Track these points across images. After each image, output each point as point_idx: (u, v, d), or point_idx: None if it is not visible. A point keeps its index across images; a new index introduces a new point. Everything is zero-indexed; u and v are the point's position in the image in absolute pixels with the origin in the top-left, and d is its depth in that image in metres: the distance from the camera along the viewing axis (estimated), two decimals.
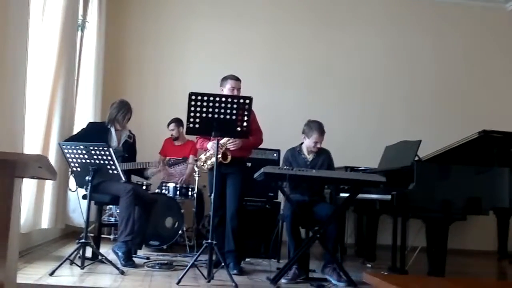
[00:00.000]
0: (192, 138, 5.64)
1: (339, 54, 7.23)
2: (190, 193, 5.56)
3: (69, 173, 4.18)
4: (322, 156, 4.53)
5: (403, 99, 7.21)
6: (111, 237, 5.50)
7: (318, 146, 4.47)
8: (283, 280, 3.94)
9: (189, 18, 6.97)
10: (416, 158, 4.26)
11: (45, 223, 4.19)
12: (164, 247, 5.18)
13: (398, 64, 7.28)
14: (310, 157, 4.54)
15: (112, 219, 5.50)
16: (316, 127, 4.46)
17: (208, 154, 4.40)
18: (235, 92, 4.31)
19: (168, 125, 6.06)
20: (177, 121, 5.97)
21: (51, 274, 3.46)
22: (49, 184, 4.15)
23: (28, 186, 3.88)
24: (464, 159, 4.15)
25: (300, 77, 7.10)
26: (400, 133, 5.58)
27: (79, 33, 5.24)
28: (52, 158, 4.19)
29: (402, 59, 7.29)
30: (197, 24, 6.97)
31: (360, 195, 4.34)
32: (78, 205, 4.24)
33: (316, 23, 7.23)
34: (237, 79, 4.41)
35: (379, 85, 7.22)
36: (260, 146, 4.77)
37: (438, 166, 4.10)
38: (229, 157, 4.19)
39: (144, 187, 5.38)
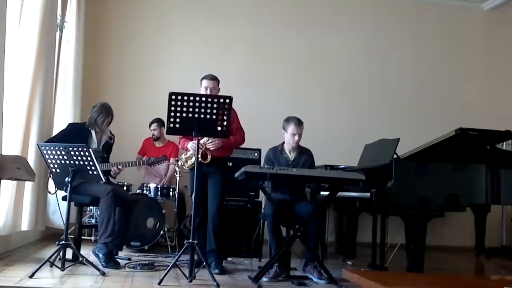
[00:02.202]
0: (173, 139, 5.66)
1: (320, 53, 7.27)
2: (171, 193, 5.56)
3: (49, 174, 4.14)
4: (304, 156, 4.56)
5: (383, 98, 7.28)
6: (92, 238, 5.46)
7: (297, 138, 4.47)
8: (264, 279, 3.95)
9: (170, 17, 6.96)
10: (395, 156, 4.33)
11: (24, 225, 4.15)
12: (146, 247, 5.17)
13: (379, 63, 7.36)
14: (292, 156, 4.56)
15: (93, 221, 5.45)
16: (292, 119, 4.51)
17: (188, 154, 4.40)
18: (210, 92, 4.29)
19: (150, 125, 6.05)
20: (159, 121, 5.96)
21: (31, 276, 3.43)
22: (28, 186, 4.11)
23: (7, 188, 3.83)
24: (441, 157, 4.22)
25: (281, 76, 7.13)
26: (381, 132, 5.66)
27: (57, 33, 5.19)
28: (31, 159, 4.15)
29: (383, 59, 7.36)
30: (178, 23, 6.96)
31: (340, 193, 4.38)
32: (58, 207, 4.19)
33: (298, 22, 7.26)
34: (211, 78, 4.39)
35: (360, 85, 7.28)
36: (241, 146, 4.78)
37: (416, 164, 4.16)
38: (209, 157, 4.20)
39: (125, 188, 5.37)
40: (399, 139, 4.38)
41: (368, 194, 4.22)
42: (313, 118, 6.70)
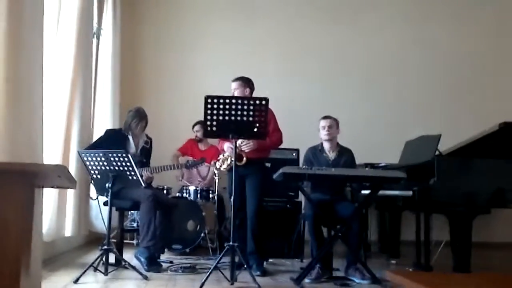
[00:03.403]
0: (216, 143, 5.67)
1: (358, 47, 7.13)
2: (211, 195, 5.57)
3: (90, 180, 4.21)
4: (345, 155, 4.49)
5: (423, 92, 7.10)
6: (134, 242, 5.54)
7: (326, 131, 4.43)
8: (306, 280, 3.91)
9: (203, 20, 6.97)
10: (437, 153, 4.21)
11: (68, 231, 4.23)
12: (187, 250, 5.19)
13: (418, 55, 7.14)
14: (332, 156, 4.50)
15: (135, 225, 5.52)
16: (322, 117, 4.50)
17: (224, 155, 4.41)
18: (236, 93, 4.36)
19: (193, 126, 6.08)
20: (202, 123, 5.96)
21: (76, 281, 3.50)
22: (70, 192, 4.20)
23: (50, 195, 3.93)
24: (485, 152, 4.07)
25: (318, 73, 7.03)
26: (421, 127, 5.51)
27: (94, 40, 5.28)
28: (73, 166, 4.24)
29: (423, 50, 7.12)
30: (211, 25, 6.96)
31: (382, 192, 4.30)
32: (100, 212, 4.25)
33: (331, 13, 7.14)
34: (234, 79, 4.47)
35: (399, 79, 7.11)
36: (279, 146, 4.75)
37: (459, 160, 4.04)
38: (244, 159, 4.18)
39: (164, 191, 5.41)
40: (440, 135, 4.26)
41: (411, 192, 4.12)
42: (352, 115, 6.62)
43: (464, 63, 7.20)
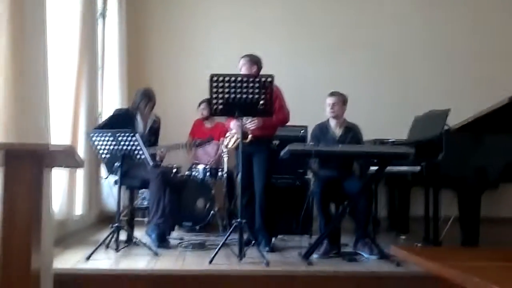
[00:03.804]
0: (223, 120, 5.68)
1: (366, 21, 7.06)
2: (219, 173, 5.60)
3: (101, 160, 4.26)
4: (351, 132, 4.49)
5: (432, 67, 7.02)
6: (146, 219, 5.60)
7: (331, 108, 4.43)
8: (314, 256, 3.95)
9: (209, 0, 6.94)
10: (446, 128, 4.18)
11: (79, 210, 4.30)
12: (197, 227, 5.26)
13: (428, 30, 7.08)
14: (338, 132, 4.50)
15: (145, 203, 5.58)
16: (329, 93, 4.49)
17: (231, 133, 4.44)
18: (243, 70, 4.36)
19: (199, 105, 6.10)
20: (208, 101, 5.98)
21: (88, 258, 3.56)
22: (81, 172, 4.26)
23: (61, 175, 3.99)
24: (494, 127, 4.03)
25: (326, 49, 6.99)
26: (430, 103, 5.47)
27: (100, 21, 5.29)
28: (82, 147, 4.29)
29: (431, 25, 7.07)
30: (216, 5, 6.93)
31: (390, 168, 4.29)
32: (111, 191, 4.32)
33: None
34: (243, 56, 4.46)
35: (408, 54, 7.05)
36: (286, 124, 4.75)
37: (467, 135, 4.01)
38: (250, 137, 4.20)
39: (174, 170, 5.45)
40: (449, 110, 4.23)
41: (419, 168, 4.11)
42: (360, 90, 6.58)
43: (473, 38, 7.10)
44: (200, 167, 5.60)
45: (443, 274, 1.70)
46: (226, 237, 3.82)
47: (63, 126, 4.12)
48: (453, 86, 6.92)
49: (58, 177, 3.95)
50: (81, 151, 4.27)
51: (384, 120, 6.47)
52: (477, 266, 1.79)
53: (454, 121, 4.35)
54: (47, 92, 2.97)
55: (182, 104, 6.39)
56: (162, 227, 4.26)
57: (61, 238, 4.27)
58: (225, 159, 5.46)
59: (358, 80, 6.81)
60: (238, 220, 3.77)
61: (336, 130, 4.51)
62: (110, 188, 4.49)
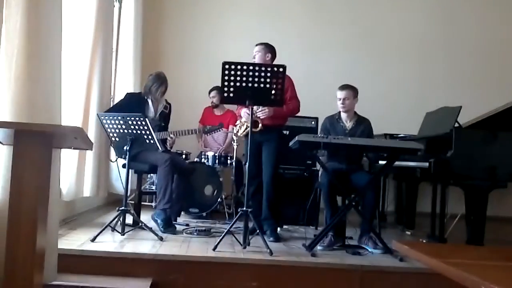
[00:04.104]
0: (232, 108, 5.70)
1: (381, 16, 7.03)
2: (229, 161, 5.62)
3: (110, 143, 4.30)
4: (362, 125, 4.47)
5: (446, 63, 6.97)
6: (153, 204, 5.65)
7: (342, 103, 4.42)
8: (318, 247, 3.96)
9: None
10: (456, 125, 4.16)
11: (87, 192, 4.34)
12: (204, 214, 5.30)
13: (441, 26, 7.02)
14: (349, 125, 4.49)
15: (154, 187, 5.63)
16: (339, 86, 4.46)
17: (241, 121, 4.45)
18: (257, 57, 4.38)
19: (210, 92, 6.12)
20: (219, 89, 5.97)
21: (93, 240, 3.60)
22: (90, 154, 4.28)
23: (70, 157, 4.03)
24: (506, 126, 4.00)
25: (340, 42, 6.97)
26: (443, 99, 5.44)
27: (117, 4, 5.30)
28: (92, 129, 4.32)
29: (445, 21, 7.01)
30: None
31: (399, 163, 4.29)
32: (119, 174, 4.36)
33: None
34: (258, 44, 4.46)
35: (422, 49, 7.00)
36: (298, 114, 4.75)
37: (477, 133, 3.99)
38: (260, 126, 4.20)
39: (183, 156, 5.49)
40: (461, 107, 4.20)
41: (427, 164, 4.09)
42: (373, 85, 6.58)
43: (488, 37, 7.02)
44: (210, 154, 5.63)
45: (442, 271, 1.70)
46: (231, 225, 3.84)
47: (75, 108, 4.14)
48: (467, 83, 6.87)
49: (68, 158, 3.99)
50: (91, 133, 4.30)
51: (396, 115, 6.46)
52: (476, 264, 1.79)
53: (466, 118, 4.33)
54: (60, 73, 2.98)
55: (196, 91, 6.41)
56: (168, 213, 4.29)
57: (68, 219, 4.33)
58: (235, 147, 5.48)
59: (370, 74, 6.79)
60: (244, 208, 3.79)
61: (347, 122, 4.50)
62: (119, 171, 4.52)
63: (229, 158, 5.63)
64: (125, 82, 5.54)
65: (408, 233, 5.14)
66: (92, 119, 4.30)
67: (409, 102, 6.69)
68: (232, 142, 5.51)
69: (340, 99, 4.43)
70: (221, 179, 5.41)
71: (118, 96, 5.18)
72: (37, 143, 2.32)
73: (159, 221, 4.26)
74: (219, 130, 5.04)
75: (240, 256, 3.54)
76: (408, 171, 4.72)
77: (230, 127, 5.83)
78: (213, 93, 6.05)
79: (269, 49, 4.42)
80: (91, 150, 3.00)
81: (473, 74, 6.94)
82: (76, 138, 2.47)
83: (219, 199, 5.35)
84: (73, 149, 2.95)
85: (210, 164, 5.54)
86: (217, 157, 5.59)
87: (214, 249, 3.61)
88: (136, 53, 5.79)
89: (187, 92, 6.43)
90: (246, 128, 4.31)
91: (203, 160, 5.62)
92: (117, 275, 3.26)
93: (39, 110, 2.76)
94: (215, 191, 5.36)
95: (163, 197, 4.25)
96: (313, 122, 5.56)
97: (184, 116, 5.76)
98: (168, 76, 4.72)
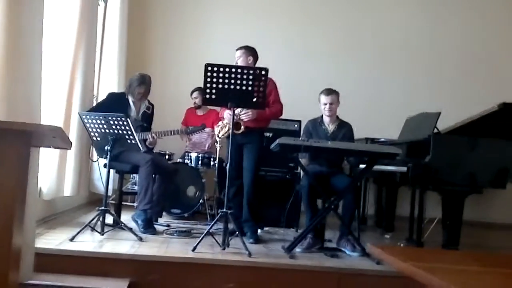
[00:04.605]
0: (215, 107, 5.71)
1: (363, 24, 7.11)
2: (212, 162, 5.64)
3: (91, 143, 4.29)
4: (344, 129, 4.53)
5: (428, 69, 7.07)
6: (135, 204, 5.63)
7: (328, 107, 4.45)
8: (297, 249, 4.00)
9: None
10: (436, 131, 4.22)
11: (67, 191, 4.33)
12: (186, 215, 5.30)
13: (423, 33, 7.11)
14: (331, 128, 4.54)
15: (136, 187, 5.62)
16: (323, 90, 4.52)
17: (223, 123, 4.47)
18: (239, 62, 4.38)
19: (192, 93, 6.12)
20: (201, 90, 5.97)
21: (72, 239, 3.60)
22: (71, 153, 4.28)
23: (51, 156, 4.02)
24: (483, 132, 4.07)
25: (324, 47, 7.03)
26: (425, 105, 5.50)
27: (102, 3, 5.30)
28: (74, 128, 4.31)
29: (428, 27, 7.11)
30: None
31: (379, 167, 4.35)
32: (100, 174, 4.36)
33: None
34: (239, 48, 4.47)
35: (404, 56, 7.08)
36: (281, 117, 4.78)
37: (455, 138, 4.05)
38: (242, 128, 4.23)
39: (166, 157, 5.50)
40: (440, 113, 4.26)
41: (405, 168, 4.15)
42: (355, 89, 6.66)
43: (470, 43, 7.13)
44: (193, 155, 5.64)
45: (411, 274, 1.74)
46: (210, 226, 3.86)
47: (56, 107, 4.13)
48: (446, 89, 6.97)
49: (48, 157, 3.99)
50: (73, 132, 4.29)
51: (378, 120, 6.53)
52: (446, 268, 1.83)
53: (447, 124, 4.39)
54: (40, 71, 2.99)
55: (181, 92, 6.40)
56: (149, 214, 4.30)
57: (48, 218, 4.32)
58: (218, 148, 5.49)
59: (353, 78, 6.86)
60: (224, 210, 3.81)
61: (329, 126, 4.55)
62: (99, 171, 4.51)
63: (212, 159, 5.64)
64: (110, 82, 5.54)
65: (387, 236, 5.20)
66: (74, 118, 4.29)
67: (392, 106, 6.76)
68: (215, 143, 5.52)
69: (326, 104, 4.47)
70: (203, 180, 5.43)
71: (102, 96, 5.17)
72: (15, 141, 2.31)
73: (139, 221, 4.26)
74: (202, 131, 5.04)
75: (219, 257, 3.56)
76: (388, 175, 4.78)
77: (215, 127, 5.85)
78: (195, 94, 6.06)
79: (250, 52, 4.44)
80: (70, 149, 3.00)
81: (455, 80, 7.03)
82: (55, 137, 2.47)
83: (201, 200, 5.36)
84: (52, 148, 2.96)
85: (193, 165, 5.55)
86: (200, 158, 5.60)
87: (193, 250, 3.62)
88: (121, 53, 5.79)
89: (171, 93, 6.44)
90: (228, 130, 4.34)
91: (186, 161, 5.63)
92: (95, 275, 3.26)
93: (18, 108, 2.76)
94: (198, 192, 5.37)
95: (144, 197, 4.25)
96: (296, 125, 5.60)
97: (167, 116, 5.77)
98: (152, 77, 4.72)
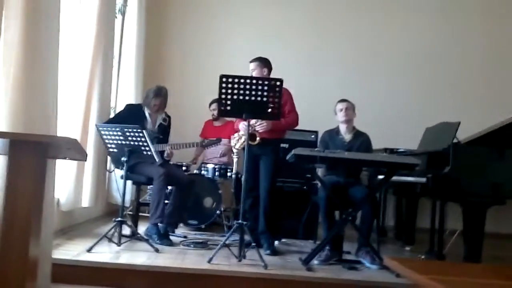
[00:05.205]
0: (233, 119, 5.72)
1: (381, 32, 7.05)
2: (228, 174, 5.62)
3: (107, 154, 4.32)
4: (361, 139, 4.50)
5: (448, 78, 6.96)
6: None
7: (345, 112, 4.45)
8: (315, 261, 3.95)
9: (230, 1, 6.98)
10: (455, 141, 4.15)
11: (85, 202, 4.35)
12: (202, 226, 5.28)
13: (441, 43, 7.01)
14: (347, 138, 4.50)
15: None
16: (338, 100, 4.54)
17: (239, 134, 4.47)
18: (254, 74, 4.37)
19: (210, 104, 6.12)
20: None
21: (89, 250, 3.61)
22: (89, 165, 4.31)
23: (69, 167, 4.05)
24: (504, 142, 3.99)
25: (341, 56, 6.98)
26: (443, 114, 5.43)
27: (120, 17, 5.36)
28: (92, 139, 4.35)
29: (449, 35, 7.00)
30: (238, 6, 6.97)
31: (399, 178, 4.29)
32: (116, 185, 4.38)
33: (362, 3, 7.08)
34: (252, 60, 4.48)
35: (424, 64, 6.99)
36: (298, 128, 4.77)
37: (476, 149, 3.98)
38: (258, 139, 4.22)
39: (183, 168, 5.50)
40: (459, 122, 4.19)
41: (425, 179, 4.09)
42: (374, 99, 6.59)
43: (491, 53, 7.02)
44: (210, 166, 5.64)
45: (428, 287, 1.70)
46: (226, 237, 3.84)
47: (74, 118, 4.17)
48: (467, 99, 6.86)
49: (66, 168, 4.02)
50: (91, 143, 4.33)
51: (397, 130, 6.45)
52: (466, 282, 1.78)
53: (468, 133, 4.32)
54: (57, 84, 3.02)
55: (200, 104, 6.40)
56: (160, 227, 4.30)
57: (66, 229, 4.34)
58: (235, 159, 5.48)
59: (372, 88, 6.80)
60: (239, 221, 3.79)
61: (346, 135, 4.52)
62: (116, 182, 4.53)
63: (229, 170, 5.63)
64: (127, 94, 5.58)
65: (408, 248, 5.11)
66: (92, 129, 4.33)
67: (411, 116, 6.68)
68: (232, 154, 5.51)
69: (341, 109, 4.48)
70: (220, 192, 5.41)
71: (120, 108, 5.21)
72: (31, 153, 2.34)
73: (152, 235, 4.26)
74: (217, 144, 5.04)
75: (235, 269, 3.53)
76: (408, 186, 4.72)
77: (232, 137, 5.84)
78: (213, 106, 6.06)
79: (264, 63, 4.44)
80: (85, 161, 3.03)
81: (475, 89, 6.92)
82: (70, 149, 2.49)
83: (218, 212, 5.34)
84: (68, 159, 2.98)
85: (210, 176, 5.55)
86: (217, 169, 5.59)
87: (209, 262, 3.60)
88: (138, 65, 5.84)
89: (189, 105, 6.45)
90: (244, 141, 4.33)
91: (203, 171, 5.63)
92: (111, 286, 3.26)
93: (35, 120, 2.79)
94: (214, 203, 5.36)
95: (155, 211, 4.27)
96: (312, 136, 5.57)
97: (186, 128, 5.80)
98: (170, 89, 4.76)
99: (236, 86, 3.78)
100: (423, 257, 4.45)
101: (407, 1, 7.10)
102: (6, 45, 2.68)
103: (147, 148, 3.95)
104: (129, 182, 4.48)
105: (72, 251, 3.60)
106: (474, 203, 3.91)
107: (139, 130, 3.88)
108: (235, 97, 3.81)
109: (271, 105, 3.83)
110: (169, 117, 4.74)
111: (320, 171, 4.60)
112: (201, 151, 6.00)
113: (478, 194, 3.88)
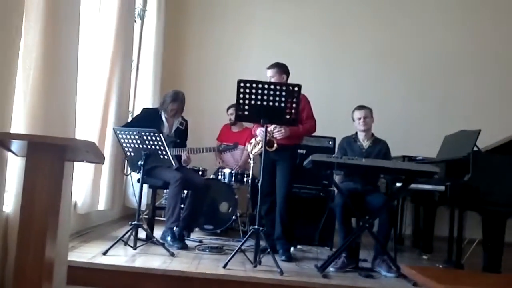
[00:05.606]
0: (250, 125, 5.71)
1: (401, 37, 7.00)
2: (245, 179, 5.61)
3: (124, 157, 4.34)
4: (379, 146, 4.46)
5: (468, 85, 6.89)
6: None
7: (363, 121, 4.42)
8: (331, 269, 3.91)
9: (247, 5, 7.00)
10: (475, 149, 4.09)
11: (101, 205, 4.38)
12: (218, 231, 5.28)
13: (460, 48, 6.94)
14: (366, 145, 4.47)
15: None
16: (355, 108, 4.49)
17: (256, 140, 4.45)
18: (271, 80, 4.34)
19: (228, 109, 6.13)
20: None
21: (105, 253, 3.63)
22: (105, 168, 4.33)
23: (86, 170, 4.08)
24: None
25: (359, 62, 6.95)
26: (464, 122, 5.36)
27: (138, 21, 5.39)
28: (109, 143, 4.37)
29: (465, 43, 6.94)
30: (256, 11, 6.98)
31: (417, 186, 4.23)
32: (133, 189, 4.40)
33: (379, 6, 7.04)
34: (269, 67, 4.42)
35: (444, 71, 6.93)
36: (315, 134, 4.74)
37: (496, 157, 3.91)
38: (275, 146, 4.20)
39: (200, 173, 5.50)
40: (479, 130, 4.13)
41: (443, 187, 4.03)
42: (394, 106, 6.55)
43: None
44: (227, 171, 5.63)
45: None
46: (242, 243, 3.83)
47: (92, 121, 4.21)
48: (486, 106, 6.77)
49: (83, 171, 4.05)
50: (108, 146, 4.36)
51: (416, 137, 6.39)
52: None
53: (488, 142, 4.26)
54: (76, 87, 3.04)
55: (217, 108, 6.42)
56: (176, 231, 4.31)
57: (82, 231, 4.37)
58: (252, 164, 5.47)
59: (390, 95, 6.75)
60: (255, 227, 3.77)
61: (364, 142, 4.48)
62: (133, 186, 4.55)
63: (245, 175, 5.62)
64: (145, 98, 5.62)
65: (425, 257, 5.04)
66: (109, 133, 4.36)
67: (430, 124, 6.62)
68: (249, 160, 5.50)
69: (359, 118, 4.44)
70: (236, 197, 5.40)
71: (137, 112, 5.24)
72: (49, 155, 2.36)
73: (167, 239, 4.27)
74: (235, 149, 5.04)
75: (250, 274, 3.51)
76: (426, 194, 4.66)
77: (247, 144, 5.84)
78: (231, 110, 6.06)
79: (282, 69, 4.41)
80: (103, 163, 3.03)
81: (496, 97, 6.83)
82: (88, 152, 2.50)
83: (234, 217, 5.33)
84: (85, 162, 2.99)
85: (227, 181, 5.54)
86: (233, 174, 5.59)
87: (224, 267, 3.59)
88: (156, 70, 5.87)
89: (207, 109, 6.48)
90: (261, 147, 4.31)
91: (219, 177, 5.62)
92: None
93: (53, 123, 2.81)
94: (230, 208, 5.35)
95: (171, 216, 4.29)
96: (330, 142, 5.52)
97: (203, 133, 5.81)
98: (188, 93, 4.76)
99: (254, 91, 3.77)
100: (441, 266, 4.39)
101: (426, 2, 7.04)
102: (26, 48, 2.70)
103: (163, 152, 3.96)
104: (145, 186, 4.48)
105: (88, 253, 3.62)
106: (494, 213, 3.84)
107: (156, 134, 3.89)
108: (252, 102, 3.80)
109: (289, 111, 3.81)
110: (186, 121, 4.75)
111: (337, 178, 4.56)
112: (219, 155, 6.00)
113: (498, 203, 3.81)
